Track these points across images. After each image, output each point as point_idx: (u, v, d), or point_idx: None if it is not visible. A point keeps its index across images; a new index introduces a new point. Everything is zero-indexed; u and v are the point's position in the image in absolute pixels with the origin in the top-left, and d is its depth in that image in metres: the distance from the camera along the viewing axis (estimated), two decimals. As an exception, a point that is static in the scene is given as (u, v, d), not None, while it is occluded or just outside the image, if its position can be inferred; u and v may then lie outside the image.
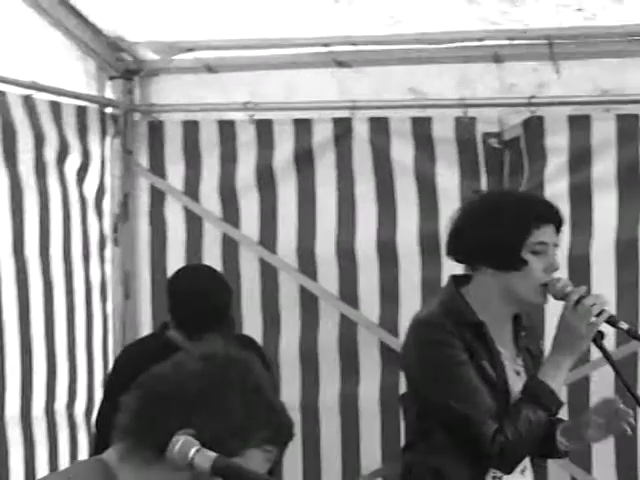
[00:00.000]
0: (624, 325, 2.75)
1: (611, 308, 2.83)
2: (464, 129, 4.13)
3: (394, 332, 4.30)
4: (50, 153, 4.31)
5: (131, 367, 3.09)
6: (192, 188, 4.63)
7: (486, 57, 4.03)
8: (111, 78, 4.62)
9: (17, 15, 4.06)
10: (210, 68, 4.48)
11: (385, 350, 4.36)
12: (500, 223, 2.83)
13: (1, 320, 4.09)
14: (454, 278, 2.95)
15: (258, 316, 4.54)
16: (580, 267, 3.99)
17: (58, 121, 4.35)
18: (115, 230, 4.74)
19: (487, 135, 4.10)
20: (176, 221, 4.67)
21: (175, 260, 4.60)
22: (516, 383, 2.86)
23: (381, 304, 4.39)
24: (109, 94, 4.66)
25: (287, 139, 4.44)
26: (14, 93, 4.09)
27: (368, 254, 4.36)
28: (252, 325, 4.48)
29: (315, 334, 4.45)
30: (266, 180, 4.50)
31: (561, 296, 2.77)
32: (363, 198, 4.35)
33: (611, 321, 2.75)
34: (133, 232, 4.77)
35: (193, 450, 1.87)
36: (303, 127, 4.40)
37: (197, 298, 3.64)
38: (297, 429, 2.08)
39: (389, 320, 4.36)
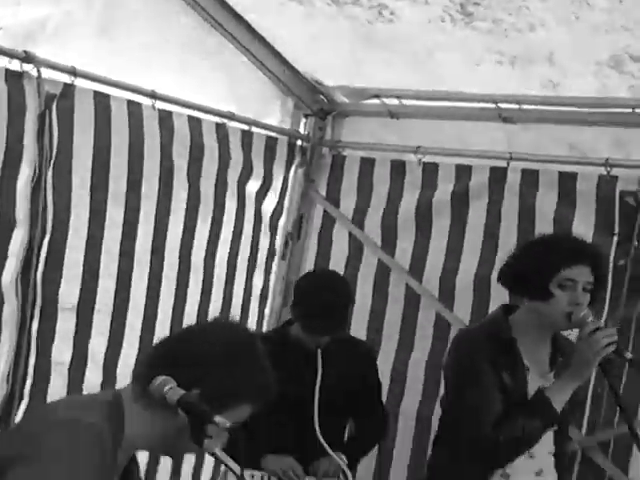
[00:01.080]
0: (629, 355, 3.19)
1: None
2: (605, 186, 4.63)
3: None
4: (233, 174, 5.01)
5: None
6: (359, 217, 5.25)
7: (636, 123, 4.52)
8: (306, 116, 5.37)
9: (225, 54, 4.85)
10: (392, 114, 5.15)
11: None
12: (535, 258, 3.37)
13: (157, 313, 4.78)
14: (504, 306, 3.48)
15: (395, 335, 5.09)
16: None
17: (247, 147, 5.06)
18: (285, 245, 5.43)
19: (624, 193, 4.59)
20: (341, 244, 5.30)
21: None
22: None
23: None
24: (302, 129, 5.40)
25: (448, 181, 5.04)
26: (209, 120, 4.85)
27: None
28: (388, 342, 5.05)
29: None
30: (424, 216, 5.10)
31: (579, 324, 3.25)
32: (505, 238, 4.86)
33: (618, 352, 3.18)
34: (302, 249, 5.44)
35: (167, 387, 2.31)
36: (464, 172, 4.99)
37: (316, 296, 4.12)
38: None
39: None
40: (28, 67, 4.04)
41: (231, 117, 4.92)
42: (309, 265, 5.42)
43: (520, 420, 3.23)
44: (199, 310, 4.97)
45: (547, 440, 3.37)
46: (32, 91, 4.07)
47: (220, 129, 4.93)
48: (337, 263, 5.29)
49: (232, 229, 5.08)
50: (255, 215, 5.21)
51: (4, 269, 4.09)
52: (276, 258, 5.43)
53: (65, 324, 4.39)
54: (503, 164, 4.84)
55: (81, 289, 4.42)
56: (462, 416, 3.30)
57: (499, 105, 4.80)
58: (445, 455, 3.44)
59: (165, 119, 4.67)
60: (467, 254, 4.98)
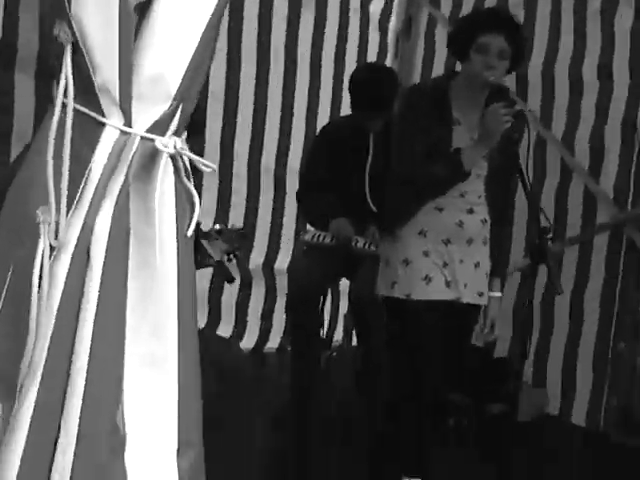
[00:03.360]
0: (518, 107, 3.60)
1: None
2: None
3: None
4: None
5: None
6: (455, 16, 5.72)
7: None
8: None
9: None
10: None
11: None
12: (459, 25, 3.88)
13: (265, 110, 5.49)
14: (451, 71, 3.99)
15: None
16: None
17: None
18: (397, 44, 6.02)
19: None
20: (443, 44, 5.80)
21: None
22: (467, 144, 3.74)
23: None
24: None
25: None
26: None
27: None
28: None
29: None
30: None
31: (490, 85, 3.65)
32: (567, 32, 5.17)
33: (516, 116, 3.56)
34: (412, 48, 6.01)
35: None
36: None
37: (367, 85, 4.77)
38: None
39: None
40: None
41: None
42: (418, 62, 5.96)
43: (437, 167, 3.73)
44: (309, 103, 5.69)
45: (478, 186, 3.86)
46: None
47: None
48: (439, 62, 5.79)
49: (337, 29, 5.70)
50: (362, 17, 5.80)
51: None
52: (389, 55, 6.02)
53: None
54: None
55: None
56: (396, 155, 3.88)
57: None
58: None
59: None
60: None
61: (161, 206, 1.93)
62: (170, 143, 1.92)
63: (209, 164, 2.06)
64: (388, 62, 6.01)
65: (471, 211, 3.81)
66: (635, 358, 4.97)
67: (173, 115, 1.93)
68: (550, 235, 3.56)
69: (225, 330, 5.53)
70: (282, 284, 5.55)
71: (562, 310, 5.29)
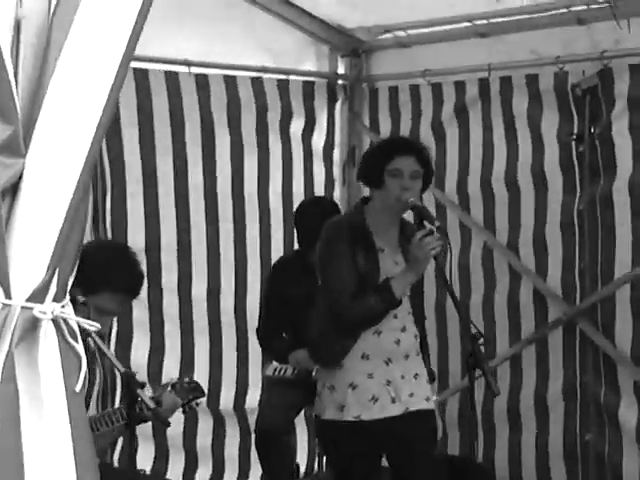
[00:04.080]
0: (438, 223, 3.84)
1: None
2: (560, 82, 5.07)
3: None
4: (273, 119, 5.81)
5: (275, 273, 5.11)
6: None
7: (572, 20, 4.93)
8: (342, 56, 6.15)
9: (251, 15, 5.62)
10: (402, 44, 5.84)
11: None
12: (370, 154, 4.13)
13: (219, 247, 5.68)
14: (363, 198, 4.16)
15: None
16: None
17: (284, 94, 5.85)
18: (344, 174, 6.27)
19: (574, 85, 5.01)
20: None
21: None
22: (392, 269, 3.95)
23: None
24: (341, 70, 6.18)
25: (451, 97, 5.65)
26: (244, 76, 5.69)
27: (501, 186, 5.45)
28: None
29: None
30: (437, 130, 5.73)
31: (408, 205, 3.91)
32: (499, 139, 5.41)
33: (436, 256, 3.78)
34: (357, 176, 6.25)
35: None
36: (460, 87, 5.59)
37: (300, 218, 5.11)
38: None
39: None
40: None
41: (265, 70, 5.81)
42: (366, 189, 6.18)
43: (368, 300, 3.90)
44: (260, 237, 5.89)
45: (406, 304, 4.00)
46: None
47: (255, 82, 5.80)
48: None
49: (281, 166, 5.95)
50: (304, 150, 6.06)
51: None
52: (337, 184, 6.27)
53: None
54: (486, 75, 5.39)
55: (145, 232, 5.47)
56: (325, 294, 4.04)
57: (474, 22, 5.35)
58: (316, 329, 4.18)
59: (201, 82, 5.61)
60: (473, 158, 5.57)
61: (46, 368, 2.10)
62: (49, 309, 2.11)
63: (93, 324, 2.25)
64: (336, 191, 6.26)
65: (404, 329, 4.01)
66: (603, 447, 5.04)
67: (50, 282, 2.12)
68: (481, 341, 3.71)
69: (203, 475, 5.61)
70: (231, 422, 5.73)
71: (528, 410, 5.38)
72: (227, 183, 5.76)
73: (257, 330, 5.38)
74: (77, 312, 3.23)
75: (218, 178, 5.71)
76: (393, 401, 3.93)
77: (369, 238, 3.99)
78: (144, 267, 5.20)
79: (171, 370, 5.40)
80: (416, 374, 3.98)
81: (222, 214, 5.75)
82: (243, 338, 5.75)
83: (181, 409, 3.87)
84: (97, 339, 3.09)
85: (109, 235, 5.35)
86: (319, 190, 6.16)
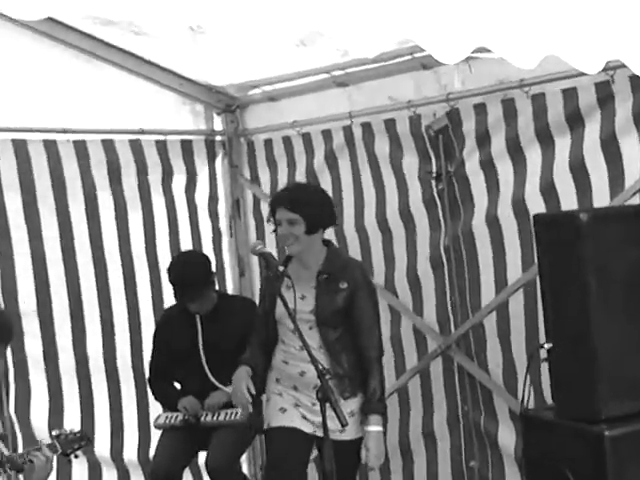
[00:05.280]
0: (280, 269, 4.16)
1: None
2: (415, 125, 5.30)
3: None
4: (154, 178, 6.04)
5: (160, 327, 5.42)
6: (274, 188, 6.12)
7: (418, 66, 5.15)
8: (218, 113, 6.36)
9: (118, 80, 5.84)
10: (271, 98, 6.06)
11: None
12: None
13: (112, 312, 5.88)
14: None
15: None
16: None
17: (163, 154, 6.07)
18: (230, 226, 6.45)
19: (427, 127, 5.23)
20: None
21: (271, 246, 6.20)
22: (300, 303, 4.37)
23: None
24: (218, 126, 6.39)
25: (320, 146, 5.86)
26: (121, 139, 5.91)
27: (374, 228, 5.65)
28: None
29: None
30: (314, 178, 5.92)
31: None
32: (367, 183, 5.64)
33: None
34: (245, 226, 6.43)
35: None
36: (327, 136, 5.80)
37: (171, 274, 5.30)
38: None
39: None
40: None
41: (142, 132, 6.00)
42: (252, 237, 6.36)
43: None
44: (153, 298, 6.08)
45: (313, 335, 4.37)
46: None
47: (133, 144, 6.00)
48: (270, 236, 6.20)
49: (166, 222, 6.14)
50: (189, 206, 6.25)
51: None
52: (225, 237, 6.44)
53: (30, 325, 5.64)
54: (349, 122, 5.60)
55: (36, 294, 5.63)
56: None
57: (332, 74, 5.57)
58: None
59: (80, 148, 5.79)
60: (346, 204, 5.78)
61: None
62: None
63: None
64: (224, 243, 6.45)
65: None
66: (487, 472, 5.22)
67: None
68: (328, 376, 3.90)
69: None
70: (136, 472, 5.88)
71: (417, 440, 5.56)
72: (114, 242, 5.95)
73: (148, 380, 5.60)
74: None
75: (104, 236, 5.90)
76: (304, 418, 4.38)
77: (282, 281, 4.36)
78: (37, 326, 5.56)
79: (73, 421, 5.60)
80: None
81: (111, 272, 5.93)
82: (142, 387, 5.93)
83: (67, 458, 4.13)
84: None
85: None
86: (207, 242, 6.36)
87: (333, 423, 3.97)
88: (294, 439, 4.38)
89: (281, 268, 4.16)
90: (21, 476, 3.93)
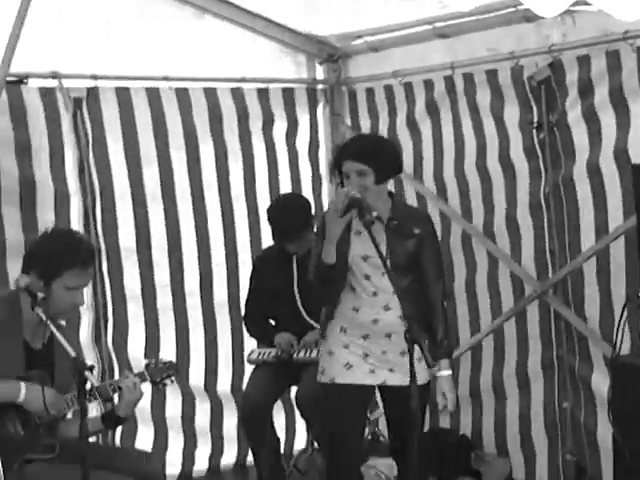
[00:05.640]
0: (373, 215, 4.12)
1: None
2: (516, 75, 5.42)
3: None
4: (255, 125, 6.24)
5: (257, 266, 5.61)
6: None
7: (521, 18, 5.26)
8: (321, 63, 6.53)
9: (220, 30, 6.08)
10: (374, 48, 6.22)
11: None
12: (332, 160, 4.56)
13: (210, 250, 6.17)
14: None
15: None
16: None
17: (264, 102, 6.26)
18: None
19: (529, 78, 5.34)
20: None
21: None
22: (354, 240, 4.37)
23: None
24: (320, 75, 6.58)
25: (421, 95, 6.02)
26: (223, 87, 6.11)
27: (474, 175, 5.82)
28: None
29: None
30: (413, 125, 6.10)
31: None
32: (468, 132, 5.78)
33: (362, 212, 4.11)
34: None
35: (18, 278, 3.82)
36: (429, 85, 5.96)
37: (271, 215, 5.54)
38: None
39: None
40: (54, 83, 5.61)
41: (243, 80, 6.19)
42: (351, 186, 6.53)
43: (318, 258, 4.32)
44: (251, 241, 6.34)
45: (386, 283, 4.23)
46: (62, 98, 5.66)
47: (235, 92, 6.20)
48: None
49: (266, 168, 6.37)
50: (289, 152, 6.45)
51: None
52: (325, 183, 6.64)
53: (128, 261, 5.98)
54: (450, 72, 5.74)
55: (136, 233, 5.97)
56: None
57: (434, 25, 5.70)
58: None
59: (182, 96, 6.01)
60: (447, 151, 5.94)
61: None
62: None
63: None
64: (324, 189, 6.64)
65: (387, 308, 4.34)
66: (579, 415, 5.38)
67: None
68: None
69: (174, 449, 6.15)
70: (228, 404, 6.21)
71: (511, 381, 5.75)
72: (214, 186, 6.20)
73: (244, 317, 5.84)
74: (39, 307, 3.72)
75: (204, 183, 6.15)
76: (371, 372, 4.33)
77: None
78: (136, 263, 5.88)
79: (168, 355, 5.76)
80: (402, 352, 4.19)
81: (210, 214, 6.20)
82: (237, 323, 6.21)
83: (157, 386, 4.28)
84: (53, 328, 3.54)
85: (101, 240, 5.83)
86: (307, 188, 6.55)
87: (403, 367, 4.09)
88: (358, 398, 4.36)
89: (375, 213, 4.16)
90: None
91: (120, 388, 4.00)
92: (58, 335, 3.64)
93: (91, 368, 3.48)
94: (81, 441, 3.40)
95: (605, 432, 4.96)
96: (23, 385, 3.78)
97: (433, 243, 4.49)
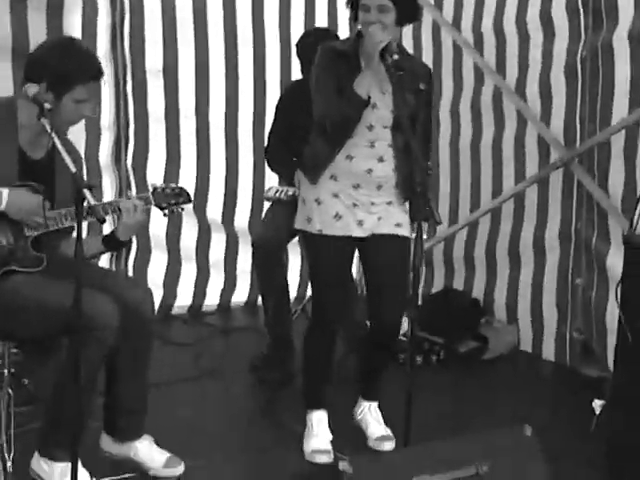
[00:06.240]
0: (395, 57, 3.80)
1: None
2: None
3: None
4: None
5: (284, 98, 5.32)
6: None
7: None
8: None
9: None
10: None
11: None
12: None
13: (237, 86, 6.05)
14: (358, 32, 4.12)
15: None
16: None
17: None
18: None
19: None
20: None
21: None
22: (380, 98, 4.06)
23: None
24: None
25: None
26: None
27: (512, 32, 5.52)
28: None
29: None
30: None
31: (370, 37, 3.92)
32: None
33: (389, 51, 3.80)
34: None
35: (27, 86, 3.60)
36: None
37: (308, 49, 4.98)
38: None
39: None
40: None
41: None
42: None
43: (341, 102, 3.99)
44: (281, 75, 6.21)
45: (386, 135, 4.09)
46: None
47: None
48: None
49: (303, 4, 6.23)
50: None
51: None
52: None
53: (154, 83, 5.87)
54: None
55: (164, 56, 5.85)
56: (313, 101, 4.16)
57: None
58: None
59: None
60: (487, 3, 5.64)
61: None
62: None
63: None
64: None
65: (381, 159, 4.11)
66: (590, 292, 5.22)
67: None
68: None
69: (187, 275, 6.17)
70: (244, 240, 6.10)
71: (527, 249, 5.60)
72: (247, 16, 6.09)
73: (265, 150, 5.52)
74: (45, 117, 3.58)
75: (237, 12, 6.02)
76: (359, 224, 4.11)
77: (358, 63, 4.07)
78: (162, 90, 5.74)
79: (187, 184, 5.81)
80: (390, 201, 4.09)
81: (241, 39, 6.08)
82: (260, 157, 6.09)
83: (163, 212, 4.00)
84: (56, 140, 3.43)
85: (128, 59, 5.72)
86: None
87: (391, 216, 4.06)
88: (345, 250, 4.17)
89: (396, 56, 3.83)
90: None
91: (120, 209, 3.84)
92: (60, 148, 3.47)
93: (90, 187, 3.37)
94: (76, 258, 3.28)
95: (615, 315, 4.81)
96: (5, 191, 3.67)
97: (430, 101, 4.24)
